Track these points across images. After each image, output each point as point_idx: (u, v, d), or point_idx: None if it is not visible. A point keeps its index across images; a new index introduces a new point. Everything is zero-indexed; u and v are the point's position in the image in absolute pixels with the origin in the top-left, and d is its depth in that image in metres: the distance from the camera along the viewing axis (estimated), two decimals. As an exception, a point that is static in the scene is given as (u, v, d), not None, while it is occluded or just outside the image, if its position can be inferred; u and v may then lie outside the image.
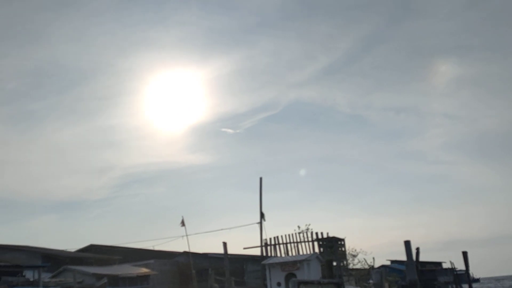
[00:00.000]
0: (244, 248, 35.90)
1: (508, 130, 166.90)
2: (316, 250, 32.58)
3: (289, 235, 34.13)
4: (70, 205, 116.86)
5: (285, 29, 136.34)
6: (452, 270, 50.05)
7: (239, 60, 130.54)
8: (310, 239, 33.45)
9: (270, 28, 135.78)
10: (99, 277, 30.00)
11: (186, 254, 37.71)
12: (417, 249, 35.42)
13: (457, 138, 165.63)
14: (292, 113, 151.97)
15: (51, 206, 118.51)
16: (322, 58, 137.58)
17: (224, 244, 31.87)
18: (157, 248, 41.13)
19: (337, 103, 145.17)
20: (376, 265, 40.83)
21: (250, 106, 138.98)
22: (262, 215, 34.68)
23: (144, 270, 34.49)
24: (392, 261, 51.94)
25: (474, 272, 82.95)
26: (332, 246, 32.84)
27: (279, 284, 25.92)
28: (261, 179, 35.75)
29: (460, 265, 48.30)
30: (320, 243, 33.22)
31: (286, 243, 33.99)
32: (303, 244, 33.58)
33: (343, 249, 34.22)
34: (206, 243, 75.71)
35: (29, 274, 28.25)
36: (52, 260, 34.97)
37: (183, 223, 34.81)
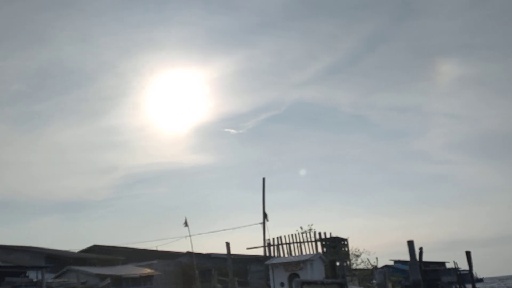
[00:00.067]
0: (247, 249, 35.94)
1: (511, 129, 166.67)
2: (319, 250, 32.55)
3: (292, 235, 34.12)
4: (73, 205, 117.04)
5: (288, 29, 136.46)
6: (455, 270, 49.99)
7: (242, 60, 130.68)
8: (313, 239, 33.42)
9: (272, 28, 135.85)
10: (102, 277, 30.03)
11: (189, 254, 37.73)
12: (420, 249, 35.41)
13: (460, 138, 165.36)
14: (295, 113, 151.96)
15: (54, 206, 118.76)
16: (324, 58, 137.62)
17: (227, 244, 31.87)
18: (160, 248, 41.26)
19: (339, 103, 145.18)
20: (379, 265, 40.83)
21: (253, 106, 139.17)
22: (265, 215, 34.69)
23: (147, 270, 34.51)
24: (395, 261, 51.99)
25: (478, 272, 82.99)
26: (335, 246, 32.81)
27: (282, 284, 25.88)
28: (264, 179, 35.80)
29: (463, 265, 48.32)
30: (323, 243, 33.19)
31: (289, 243, 33.97)
32: (306, 244, 33.56)
33: (346, 249, 34.19)
34: (209, 244, 75.65)
35: (32, 275, 28.31)
36: (55, 260, 35.04)
37: (186, 224, 34.85)
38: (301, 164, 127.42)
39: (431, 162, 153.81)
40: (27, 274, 28.36)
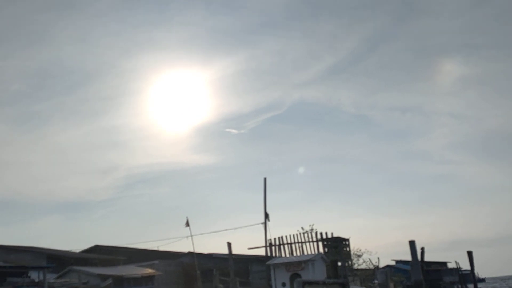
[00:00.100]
0: (249, 249, 35.90)
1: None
2: (321, 250, 32.53)
3: (293, 235, 34.10)
4: (74, 205, 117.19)
5: (290, 29, 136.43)
6: (457, 270, 49.94)
7: (243, 60, 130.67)
8: (314, 239, 33.39)
9: (275, 28, 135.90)
10: (104, 277, 30.03)
11: (190, 254, 37.73)
12: (422, 249, 35.33)
13: (462, 137, 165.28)
14: (297, 113, 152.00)
15: (56, 206, 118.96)
16: (326, 58, 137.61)
17: (229, 244, 31.84)
18: (161, 248, 41.24)
19: (341, 103, 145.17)
20: (381, 265, 40.82)
21: (255, 106, 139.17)
22: (266, 215, 34.66)
23: (148, 270, 34.51)
24: (397, 261, 51.96)
25: (480, 272, 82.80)
26: (336, 246, 32.78)
27: (284, 284, 25.86)
28: (265, 179, 35.77)
29: (465, 265, 48.28)
30: (325, 243, 33.16)
31: (291, 243, 33.95)
32: (307, 244, 33.53)
33: (347, 249, 34.16)
34: (211, 244, 75.77)
35: (34, 275, 28.31)
36: (57, 261, 35.03)
37: (187, 224, 34.86)
38: (302, 164, 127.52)
39: (433, 162, 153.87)
40: (28, 274, 28.36)
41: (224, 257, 35.10)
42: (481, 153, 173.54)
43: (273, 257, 32.75)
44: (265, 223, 34.51)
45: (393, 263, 51.91)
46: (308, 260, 25.87)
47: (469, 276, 48.29)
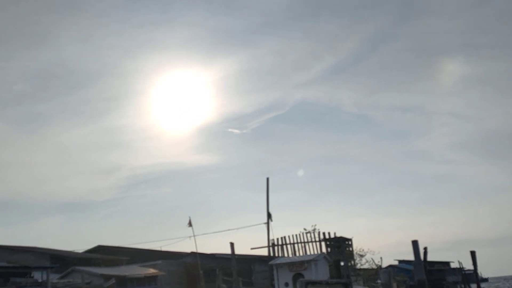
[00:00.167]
0: (252, 249, 35.91)
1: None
2: (324, 250, 32.49)
3: (296, 235, 34.08)
4: (77, 206, 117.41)
5: (291, 29, 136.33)
6: (460, 269, 49.85)
7: (245, 60, 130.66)
8: (317, 239, 33.36)
9: (276, 28, 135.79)
10: (107, 277, 30.08)
11: (193, 254, 37.74)
12: (425, 248, 35.31)
13: (464, 137, 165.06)
14: (298, 113, 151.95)
15: (58, 207, 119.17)
16: (328, 58, 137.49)
17: (232, 244, 31.87)
18: (164, 248, 41.27)
19: (343, 103, 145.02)
20: (384, 265, 40.77)
21: (257, 106, 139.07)
22: (269, 215, 34.66)
23: (151, 270, 34.55)
24: (400, 261, 51.86)
25: (483, 271, 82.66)
26: (339, 246, 32.74)
27: (286, 284, 25.86)
28: (268, 179, 35.76)
29: (468, 265, 48.14)
30: (328, 243, 33.12)
31: (294, 243, 33.93)
32: (310, 244, 33.50)
33: (350, 249, 34.11)
34: (214, 244, 75.81)
35: (37, 275, 28.40)
36: (60, 261, 35.12)
37: (190, 224, 34.88)
38: (304, 164, 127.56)
39: (434, 162, 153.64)
40: (32, 275, 28.44)
41: (227, 257, 35.13)
42: (482, 153, 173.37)
43: (276, 257, 32.74)
44: (267, 223, 34.52)
45: (396, 263, 51.82)
46: (311, 260, 25.87)
47: (472, 276, 48.17)
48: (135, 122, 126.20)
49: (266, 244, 34.62)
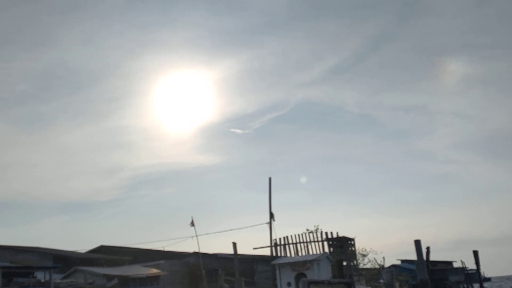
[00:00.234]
0: (254, 248, 35.91)
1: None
2: (326, 250, 32.49)
3: (298, 235, 34.07)
4: (80, 206, 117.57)
5: (293, 29, 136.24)
6: (463, 269, 49.82)
7: (247, 60, 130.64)
8: (319, 239, 33.36)
9: (278, 28, 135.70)
10: (109, 277, 30.12)
11: (196, 254, 37.77)
12: (428, 248, 35.26)
13: (467, 137, 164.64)
14: (301, 113, 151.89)
15: (61, 207, 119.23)
16: (330, 58, 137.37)
17: (234, 244, 31.88)
18: (167, 248, 41.32)
19: (345, 103, 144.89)
20: (386, 264, 40.77)
21: (259, 106, 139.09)
22: (271, 215, 34.66)
23: (154, 270, 34.58)
24: (403, 261, 51.84)
25: (485, 271, 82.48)
26: (342, 246, 32.72)
27: (289, 284, 25.86)
28: (270, 179, 35.77)
29: (471, 264, 48.13)
30: (330, 243, 33.10)
31: (296, 243, 33.92)
32: (312, 244, 33.49)
33: (353, 248, 34.10)
34: (216, 244, 75.65)
35: (40, 275, 28.43)
36: (63, 261, 35.17)
37: (192, 224, 34.91)
38: (306, 165, 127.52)
39: (437, 162, 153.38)
40: (34, 275, 28.49)
41: (230, 257, 35.14)
42: (485, 153, 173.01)
43: (278, 257, 32.74)
44: (270, 223, 34.52)
45: (399, 262, 51.80)
46: (313, 260, 25.86)
47: (475, 276, 48.14)
48: (137, 122, 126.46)
49: (268, 244, 34.64)
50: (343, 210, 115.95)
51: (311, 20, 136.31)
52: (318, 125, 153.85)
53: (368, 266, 37.92)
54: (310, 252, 32.76)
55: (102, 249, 45.10)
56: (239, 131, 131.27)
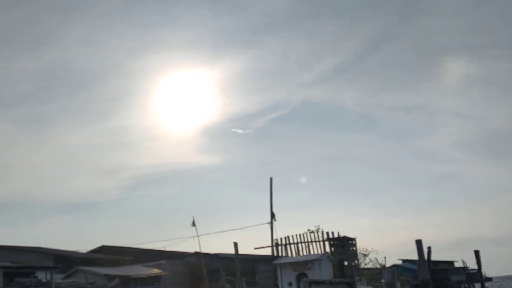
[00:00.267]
0: (255, 248, 35.90)
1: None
2: (327, 249, 32.47)
3: (300, 235, 34.06)
4: (81, 206, 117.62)
5: (293, 29, 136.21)
6: (464, 269, 49.77)
7: (248, 60, 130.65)
8: (321, 238, 33.35)
9: (279, 28, 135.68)
10: (110, 277, 30.13)
11: (197, 254, 37.80)
12: (429, 248, 35.22)
13: (468, 137, 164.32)
14: (302, 113, 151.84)
15: (63, 207, 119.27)
16: (330, 58, 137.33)
17: (235, 244, 31.87)
18: (168, 248, 41.33)
19: (346, 102, 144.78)
20: (388, 264, 40.77)
21: (260, 106, 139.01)
22: (272, 215, 34.65)
23: (155, 270, 34.59)
24: (404, 261, 51.76)
25: (487, 271, 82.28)
26: (343, 246, 32.70)
27: (290, 284, 25.86)
28: (271, 179, 35.75)
29: (472, 264, 48.11)
30: (331, 242, 33.08)
31: (297, 243, 33.90)
32: (314, 244, 33.47)
33: (354, 248, 34.08)
34: (217, 244, 75.79)
35: (41, 275, 28.44)
36: (64, 261, 35.20)
37: (194, 224, 34.93)
38: (307, 164, 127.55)
39: (439, 161, 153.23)
40: (36, 275, 28.50)
41: (231, 257, 35.16)
42: (486, 152, 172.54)
43: (280, 257, 32.74)
44: (271, 223, 34.50)
45: (400, 262, 51.73)
46: (314, 260, 25.85)
47: (476, 275, 48.11)
48: (138, 122, 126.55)
49: (269, 244, 34.63)
50: (344, 210, 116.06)
51: (311, 20, 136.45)
52: (318, 125, 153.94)
53: (369, 266, 37.92)
54: (311, 252, 32.75)
55: (103, 249, 45.12)
56: (240, 131, 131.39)
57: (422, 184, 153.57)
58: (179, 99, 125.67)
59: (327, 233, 33.33)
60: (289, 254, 33.53)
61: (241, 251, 33.25)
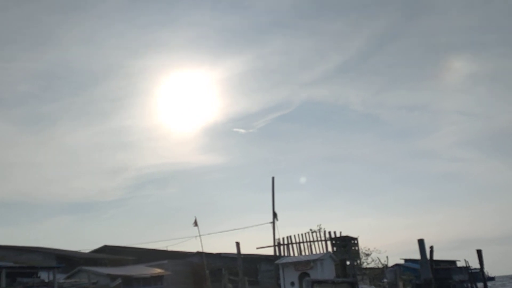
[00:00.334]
0: (257, 248, 35.96)
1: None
2: (330, 249, 32.50)
3: (302, 234, 34.10)
4: (84, 206, 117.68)
5: (297, 27, 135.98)
6: (466, 268, 49.73)
7: (251, 59, 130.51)
8: (323, 238, 33.37)
9: (282, 27, 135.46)
10: (113, 277, 30.17)
11: (199, 254, 37.79)
12: (431, 247, 35.23)
13: (472, 135, 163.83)
14: (305, 112, 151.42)
15: (65, 207, 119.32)
16: (334, 57, 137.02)
17: (237, 244, 31.90)
18: (170, 248, 41.32)
19: (349, 101, 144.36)
20: (390, 264, 40.68)
21: (262, 105, 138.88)
22: (274, 215, 34.66)
23: (158, 270, 34.62)
24: (406, 260, 51.72)
25: (489, 270, 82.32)
26: (345, 245, 32.74)
27: (292, 283, 25.89)
28: (273, 178, 35.78)
29: (474, 264, 48.05)
30: (333, 242, 33.13)
31: (299, 243, 33.95)
32: (316, 243, 33.52)
33: (356, 248, 34.10)
34: (219, 243, 75.75)
35: (44, 275, 28.52)
36: (66, 261, 35.24)
37: (196, 223, 34.94)
38: (310, 164, 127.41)
39: (441, 160, 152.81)
40: (38, 275, 28.57)
41: (233, 257, 35.17)
42: (490, 151, 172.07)
43: (282, 256, 32.77)
44: (273, 223, 34.53)
45: (402, 261, 51.68)
46: (316, 259, 25.88)
47: (479, 275, 48.05)
48: (140, 122, 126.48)
49: (272, 244, 34.66)
50: (346, 210, 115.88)
51: (315, 18, 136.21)
52: (321, 124, 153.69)
53: (372, 265, 37.86)
54: (314, 252, 32.78)
55: (105, 249, 45.15)
56: (242, 130, 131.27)
57: (425, 183, 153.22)
58: (181, 99, 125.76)
59: (329, 232, 33.36)
60: (291, 254, 33.56)
61: (243, 250, 33.29)
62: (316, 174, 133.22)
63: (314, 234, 33.91)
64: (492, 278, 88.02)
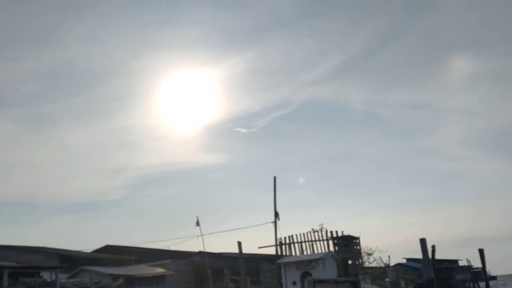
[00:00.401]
0: (259, 248, 35.98)
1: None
2: (331, 248, 32.50)
3: (304, 234, 34.10)
4: (85, 206, 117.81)
5: (299, 26, 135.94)
6: (468, 267, 49.73)
7: (253, 58, 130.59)
8: (325, 237, 33.37)
9: (284, 26, 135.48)
10: (115, 277, 30.18)
11: (201, 254, 37.83)
12: (433, 247, 35.20)
13: (474, 134, 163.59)
14: (306, 112, 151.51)
15: (67, 207, 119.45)
16: (336, 56, 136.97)
17: (239, 243, 31.92)
18: (172, 248, 41.39)
19: (351, 100, 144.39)
20: (392, 263, 40.75)
21: (264, 105, 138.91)
22: (276, 214, 34.69)
23: (160, 270, 34.63)
24: (408, 259, 51.76)
25: (491, 269, 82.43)
26: (347, 245, 32.72)
27: (294, 283, 25.87)
28: (275, 178, 35.78)
29: (476, 263, 48.04)
30: (335, 241, 33.12)
31: (301, 242, 33.96)
32: (318, 242, 33.52)
33: (358, 247, 34.09)
34: (221, 243, 75.90)
35: (46, 275, 28.53)
36: (69, 261, 35.29)
37: (198, 223, 34.98)
38: (312, 163, 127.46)
39: (444, 159, 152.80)
40: (40, 275, 28.58)
41: (235, 256, 35.18)
42: (492, 149, 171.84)
43: (284, 256, 32.76)
44: (275, 222, 34.57)
45: (404, 261, 51.72)
46: (318, 259, 25.87)
47: (481, 274, 48.04)
48: (142, 122, 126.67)
49: (273, 243, 34.68)
50: (348, 209, 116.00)
51: (317, 17, 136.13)
52: (323, 123, 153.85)
53: (374, 264, 37.88)
54: (315, 251, 32.78)
55: (107, 249, 45.22)
56: (244, 130, 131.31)
57: (427, 182, 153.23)
58: (182, 98, 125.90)
59: (331, 232, 33.36)
60: (293, 253, 33.56)
61: (245, 250, 33.32)
62: (318, 173, 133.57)
63: (316, 233, 33.93)
64: (494, 277, 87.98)
